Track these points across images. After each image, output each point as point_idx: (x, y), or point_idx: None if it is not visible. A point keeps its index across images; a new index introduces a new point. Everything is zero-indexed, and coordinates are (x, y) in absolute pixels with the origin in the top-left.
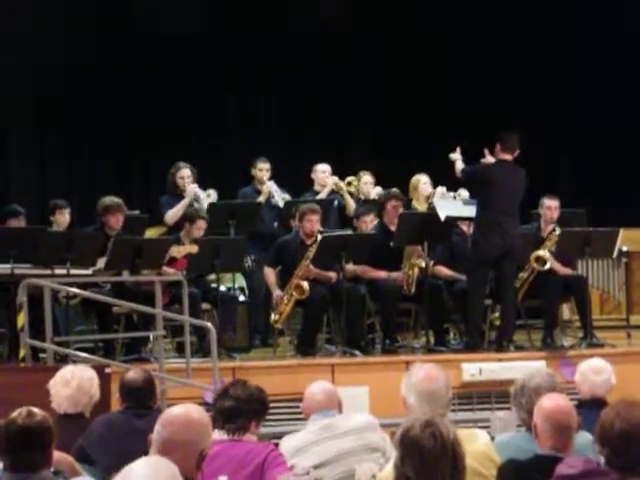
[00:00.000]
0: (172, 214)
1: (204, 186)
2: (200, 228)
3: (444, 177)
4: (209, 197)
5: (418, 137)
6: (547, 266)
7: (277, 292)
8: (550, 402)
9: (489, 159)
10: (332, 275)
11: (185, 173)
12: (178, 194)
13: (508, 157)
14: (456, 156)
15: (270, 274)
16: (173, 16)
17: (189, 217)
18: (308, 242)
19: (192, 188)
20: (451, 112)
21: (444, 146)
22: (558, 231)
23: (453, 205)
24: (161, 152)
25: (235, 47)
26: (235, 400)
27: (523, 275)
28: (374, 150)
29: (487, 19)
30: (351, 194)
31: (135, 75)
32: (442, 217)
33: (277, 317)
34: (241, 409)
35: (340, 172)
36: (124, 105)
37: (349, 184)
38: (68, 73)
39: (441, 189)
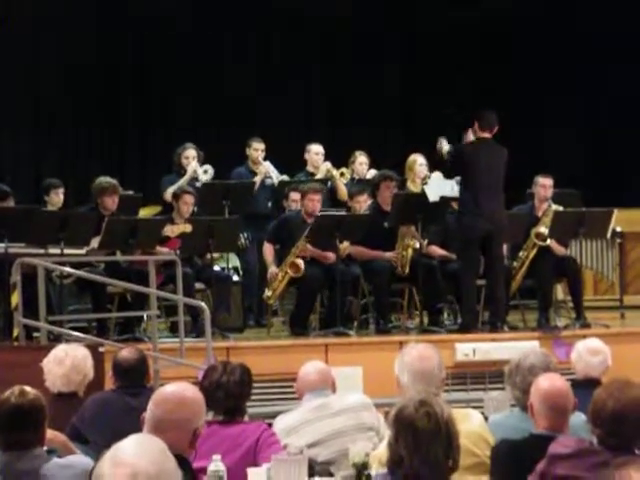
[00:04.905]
0: (172, 190)
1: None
2: (187, 203)
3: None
4: (206, 173)
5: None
6: (548, 242)
7: (272, 268)
8: (547, 383)
9: (470, 136)
10: (330, 255)
11: (190, 153)
12: (182, 174)
13: (487, 135)
14: (442, 143)
15: (268, 250)
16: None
17: (174, 194)
18: (309, 221)
19: (192, 166)
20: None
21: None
22: (554, 207)
23: (445, 186)
24: (157, 133)
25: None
26: (227, 388)
27: (524, 253)
28: (370, 137)
29: (487, 16)
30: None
31: (132, 60)
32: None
33: (270, 293)
34: (235, 396)
35: (336, 154)
36: (120, 87)
37: (342, 174)
38: (66, 67)
39: (437, 174)
